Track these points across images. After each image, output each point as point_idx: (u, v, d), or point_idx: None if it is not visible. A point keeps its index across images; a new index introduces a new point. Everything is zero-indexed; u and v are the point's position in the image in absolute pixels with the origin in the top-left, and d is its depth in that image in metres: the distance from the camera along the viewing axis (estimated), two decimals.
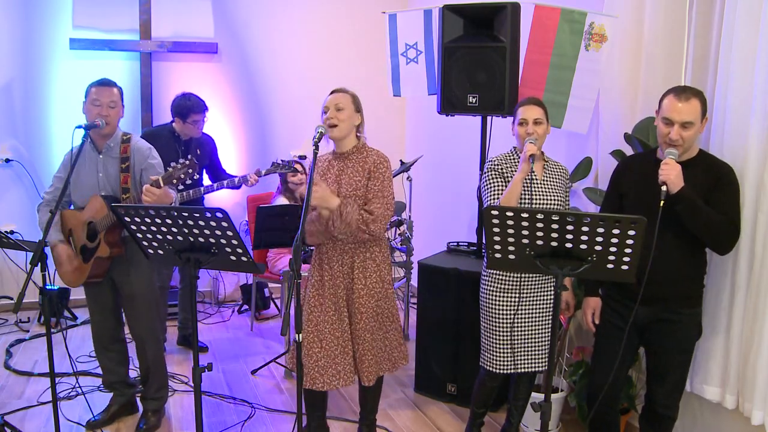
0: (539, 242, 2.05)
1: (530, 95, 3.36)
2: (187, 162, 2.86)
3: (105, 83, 3.02)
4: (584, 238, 1.98)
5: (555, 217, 1.97)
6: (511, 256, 2.13)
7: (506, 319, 2.84)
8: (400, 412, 3.56)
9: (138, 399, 3.42)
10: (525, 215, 2.01)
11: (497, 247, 2.12)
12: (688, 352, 2.58)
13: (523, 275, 2.81)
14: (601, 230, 1.95)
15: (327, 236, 2.78)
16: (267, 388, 3.84)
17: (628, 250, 1.97)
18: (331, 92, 2.84)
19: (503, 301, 2.84)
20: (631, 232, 1.93)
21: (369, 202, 2.76)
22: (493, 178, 2.84)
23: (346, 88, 2.87)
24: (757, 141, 2.52)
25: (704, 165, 2.48)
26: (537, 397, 3.14)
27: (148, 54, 5.12)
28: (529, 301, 2.84)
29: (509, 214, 2.02)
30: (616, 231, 1.94)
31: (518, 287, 2.82)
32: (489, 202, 2.81)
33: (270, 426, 3.37)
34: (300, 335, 2.32)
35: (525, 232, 2.04)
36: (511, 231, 2.06)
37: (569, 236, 1.99)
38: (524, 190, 2.79)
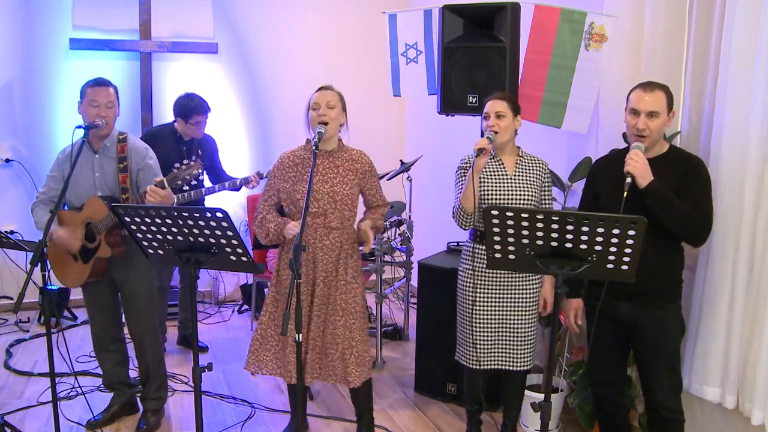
0: (539, 242, 2.05)
1: (530, 95, 3.37)
2: (192, 163, 2.86)
3: (101, 83, 3.01)
4: (584, 238, 1.98)
5: (555, 217, 1.97)
6: (511, 256, 2.13)
7: (486, 314, 2.86)
8: (400, 412, 3.56)
9: (138, 399, 3.42)
10: (525, 215, 2.01)
11: (497, 247, 2.13)
12: (676, 349, 2.61)
13: (498, 272, 2.83)
14: (601, 230, 1.95)
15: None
16: (267, 388, 3.84)
17: (628, 250, 1.98)
18: (319, 89, 2.86)
19: (478, 296, 2.86)
20: (631, 232, 1.93)
21: (374, 197, 3.01)
22: (460, 177, 2.88)
23: (333, 85, 2.90)
24: (757, 141, 2.52)
25: (674, 159, 2.54)
26: (537, 397, 3.14)
27: (148, 54, 5.12)
28: (502, 298, 2.86)
29: (509, 214, 2.03)
30: (616, 231, 1.94)
31: (501, 283, 2.84)
32: (455, 202, 2.84)
33: (270, 426, 3.37)
34: (299, 335, 2.33)
35: (525, 232, 2.04)
36: (511, 231, 2.06)
37: (569, 236, 1.99)
38: (493, 186, 2.80)
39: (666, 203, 2.42)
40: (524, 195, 2.82)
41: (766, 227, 2.53)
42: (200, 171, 2.89)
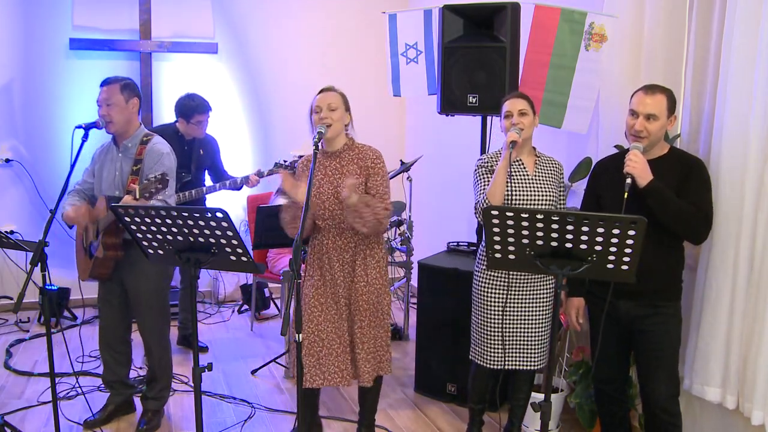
0: (539, 242, 2.05)
1: (530, 95, 3.36)
2: (159, 176, 2.85)
3: (103, 82, 3.03)
4: (584, 238, 1.98)
5: (555, 217, 1.97)
6: (511, 256, 2.13)
7: (496, 314, 2.86)
8: (400, 412, 3.55)
9: (138, 398, 3.42)
10: (525, 215, 2.01)
11: (497, 247, 2.13)
12: (675, 349, 2.62)
13: (515, 273, 2.82)
14: (601, 230, 1.95)
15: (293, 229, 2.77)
16: (267, 388, 3.84)
17: (628, 250, 1.97)
18: (321, 91, 2.84)
19: (494, 296, 2.86)
20: (631, 232, 1.93)
21: (374, 195, 2.79)
22: (482, 175, 2.87)
23: (335, 86, 2.87)
24: (757, 141, 2.52)
25: (675, 160, 2.56)
26: (537, 397, 3.14)
27: (148, 54, 5.12)
28: (520, 298, 2.86)
29: (509, 214, 2.03)
30: (616, 231, 1.94)
31: (508, 283, 2.84)
32: (478, 198, 2.83)
33: (270, 426, 3.37)
34: (300, 335, 2.32)
35: (525, 232, 2.04)
36: (511, 231, 2.06)
37: (569, 236, 1.99)
38: (515, 186, 2.79)
39: (665, 201, 2.44)
40: (545, 195, 2.82)
41: (766, 226, 2.53)
42: (165, 185, 2.86)
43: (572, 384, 3.28)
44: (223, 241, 2.21)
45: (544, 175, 2.85)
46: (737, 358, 2.64)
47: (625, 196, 2.39)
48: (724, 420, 2.79)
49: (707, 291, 2.70)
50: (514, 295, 2.85)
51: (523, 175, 2.82)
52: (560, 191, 2.90)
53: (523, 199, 2.79)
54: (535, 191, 2.81)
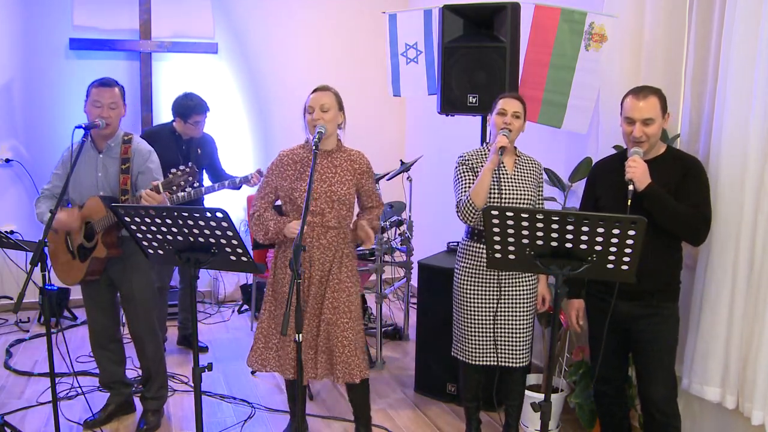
0: (539, 242, 2.05)
1: (530, 95, 3.37)
2: (188, 169, 2.85)
3: (106, 83, 3.01)
4: (584, 238, 1.98)
5: (555, 217, 1.97)
6: (511, 256, 2.14)
7: (483, 311, 2.88)
8: (400, 412, 3.56)
9: (137, 399, 3.42)
10: (525, 215, 2.01)
11: (497, 247, 2.13)
12: (672, 350, 2.62)
13: (495, 270, 2.84)
14: (601, 230, 1.95)
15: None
16: (267, 388, 3.84)
17: (628, 250, 1.98)
18: (314, 90, 2.85)
19: (480, 292, 2.88)
20: (632, 232, 1.93)
21: (370, 198, 3.01)
22: (463, 173, 2.90)
23: (329, 85, 2.89)
24: (757, 141, 2.52)
25: (672, 160, 2.56)
26: (537, 397, 3.14)
27: (148, 54, 5.12)
28: (504, 294, 2.87)
29: (509, 214, 2.03)
30: (616, 231, 1.94)
31: (498, 281, 2.86)
32: (459, 196, 2.85)
33: (270, 426, 3.37)
34: (300, 335, 2.33)
35: (525, 232, 2.04)
36: (511, 231, 2.06)
37: (569, 236, 2.00)
38: (494, 185, 2.80)
39: (663, 205, 2.44)
40: (523, 194, 2.85)
41: (766, 227, 2.53)
42: (196, 177, 2.89)
43: (572, 384, 3.28)
44: (223, 241, 2.22)
45: (523, 174, 2.88)
46: (737, 357, 2.64)
47: (629, 203, 2.39)
48: (724, 420, 2.79)
49: (707, 291, 2.70)
50: (494, 292, 2.87)
51: (503, 174, 2.85)
52: (538, 190, 2.94)
53: (503, 199, 2.82)
54: (514, 191, 2.84)
